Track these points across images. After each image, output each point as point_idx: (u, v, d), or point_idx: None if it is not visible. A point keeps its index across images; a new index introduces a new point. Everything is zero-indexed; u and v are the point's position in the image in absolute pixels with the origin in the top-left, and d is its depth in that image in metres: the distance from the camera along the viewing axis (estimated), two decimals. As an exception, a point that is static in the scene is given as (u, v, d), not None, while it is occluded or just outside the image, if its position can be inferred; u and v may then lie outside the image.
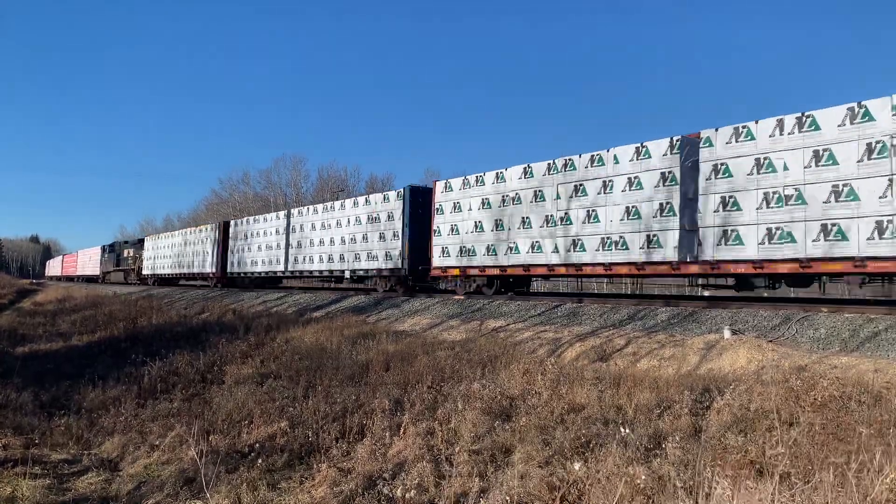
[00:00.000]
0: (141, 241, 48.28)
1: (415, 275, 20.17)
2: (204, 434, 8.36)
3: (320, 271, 24.74)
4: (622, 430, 6.27)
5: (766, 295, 15.25)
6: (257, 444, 7.90)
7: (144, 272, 44.20)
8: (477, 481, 6.05)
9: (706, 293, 17.86)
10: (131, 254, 49.14)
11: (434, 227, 18.96)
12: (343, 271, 23.16)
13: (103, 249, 59.16)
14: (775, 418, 5.87)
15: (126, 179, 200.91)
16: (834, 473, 4.71)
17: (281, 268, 27.65)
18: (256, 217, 30.63)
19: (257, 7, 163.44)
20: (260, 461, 7.32)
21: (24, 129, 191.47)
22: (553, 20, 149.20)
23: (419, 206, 20.19)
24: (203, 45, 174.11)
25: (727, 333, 9.84)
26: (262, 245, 29.14)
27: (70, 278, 75.27)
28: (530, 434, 6.69)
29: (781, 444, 5.31)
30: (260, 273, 29.43)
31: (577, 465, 5.82)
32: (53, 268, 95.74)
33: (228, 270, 32.10)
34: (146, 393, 11.40)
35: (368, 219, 22.10)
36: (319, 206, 25.78)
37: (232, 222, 33.13)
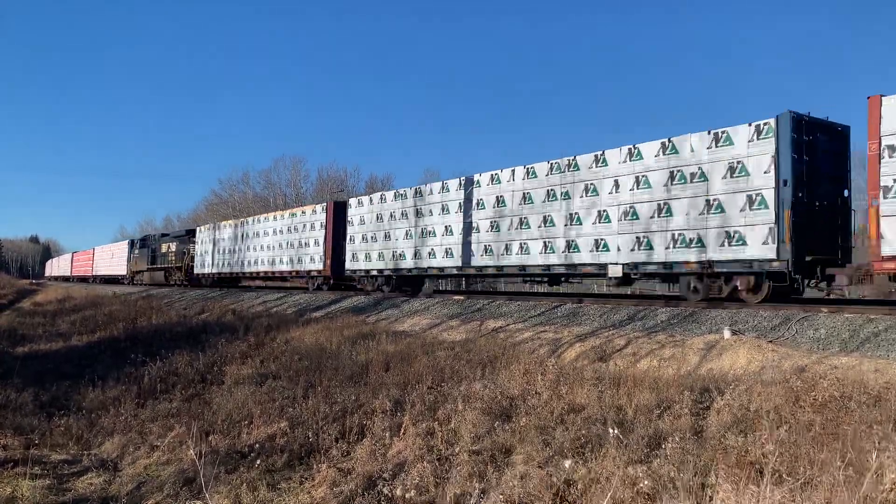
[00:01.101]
0: (189, 233, 39.23)
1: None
2: (204, 434, 8.36)
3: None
4: (611, 430, 6.26)
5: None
6: (257, 445, 7.90)
7: (197, 271, 35.68)
8: (477, 482, 6.05)
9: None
10: (173, 249, 39.89)
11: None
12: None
13: (132, 244, 50.24)
14: (775, 419, 5.87)
15: (126, 179, 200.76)
16: (834, 474, 4.71)
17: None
18: (383, 194, 22.88)
19: (257, 7, 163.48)
20: (260, 461, 7.32)
21: (24, 130, 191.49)
22: (553, 20, 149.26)
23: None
24: (203, 45, 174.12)
25: (727, 334, 9.84)
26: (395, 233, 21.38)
27: (83, 279, 66.88)
28: (530, 434, 6.69)
29: (781, 445, 5.31)
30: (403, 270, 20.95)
31: (576, 466, 5.82)
32: (61, 267, 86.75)
33: (347, 267, 23.35)
34: (146, 393, 11.40)
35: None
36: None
37: (353, 201, 24.02)
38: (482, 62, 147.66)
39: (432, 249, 19.42)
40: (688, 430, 6.24)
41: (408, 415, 7.94)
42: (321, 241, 24.86)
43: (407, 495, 6.10)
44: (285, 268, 27.35)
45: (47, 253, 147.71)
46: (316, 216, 25.53)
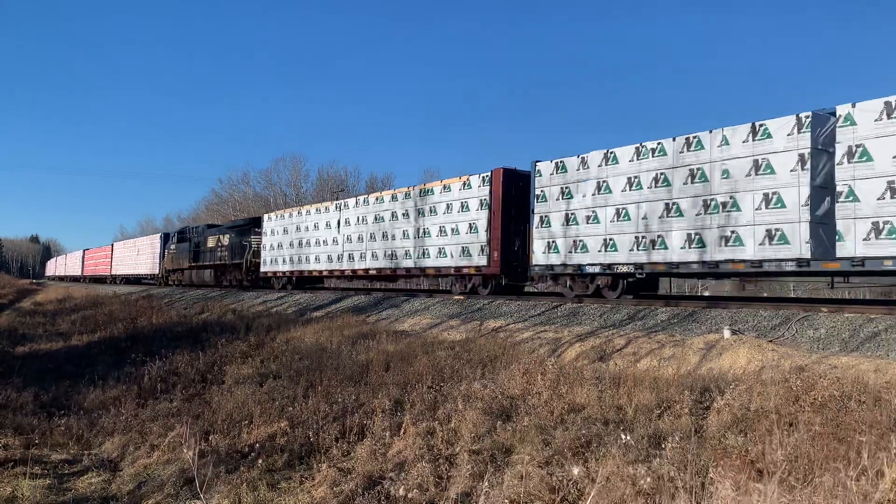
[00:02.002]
0: (253, 222, 31.29)
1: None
2: (204, 434, 8.36)
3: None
4: (623, 435, 6.27)
5: (765, 295, 15.32)
6: (257, 444, 7.90)
7: (266, 269, 28.36)
8: (477, 481, 6.05)
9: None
10: (225, 242, 32.16)
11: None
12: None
13: (166, 238, 42.78)
14: (775, 418, 5.87)
15: (126, 179, 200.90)
16: (833, 474, 4.71)
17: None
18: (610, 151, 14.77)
19: (257, 8, 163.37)
20: (260, 461, 7.32)
21: (23, 130, 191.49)
22: (553, 20, 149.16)
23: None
24: (203, 46, 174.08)
25: (727, 333, 9.84)
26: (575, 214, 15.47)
27: (98, 279, 60.27)
28: (530, 434, 6.69)
29: (781, 445, 5.32)
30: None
31: (576, 466, 5.82)
32: (68, 266, 79.22)
33: (539, 261, 15.96)
34: (146, 393, 11.40)
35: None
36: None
37: (545, 166, 15.93)
38: (482, 62, 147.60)
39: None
40: (688, 430, 6.24)
41: (408, 414, 7.94)
42: (481, 225, 17.58)
43: (407, 495, 6.10)
44: (413, 263, 20.14)
45: (47, 253, 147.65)
46: (470, 192, 18.12)
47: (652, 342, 10.24)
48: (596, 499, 5.31)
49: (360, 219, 22.60)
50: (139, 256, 48.44)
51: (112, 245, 59.59)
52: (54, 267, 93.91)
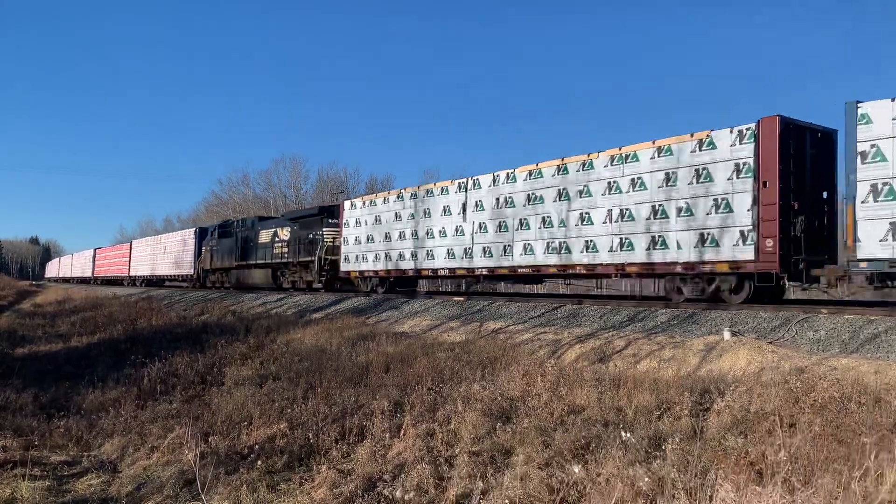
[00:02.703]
0: (325, 212, 25.13)
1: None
2: (203, 436, 8.35)
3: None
4: (623, 433, 6.26)
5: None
6: (257, 446, 7.89)
7: (349, 267, 22.75)
8: (477, 483, 6.04)
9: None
10: (285, 236, 26.73)
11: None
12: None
13: (202, 233, 36.74)
14: (775, 420, 5.86)
15: (126, 180, 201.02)
16: (834, 476, 4.71)
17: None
18: None
19: (256, 8, 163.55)
20: (259, 463, 7.31)
21: (23, 130, 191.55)
22: (553, 19, 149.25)
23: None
24: (203, 46, 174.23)
25: (727, 335, 9.84)
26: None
27: (112, 281, 54.25)
28: (530, 436, 6.69)
29: (781, 447, 5.31)
30: None
31: (576, 467, 5.81)
32: (77, 266, 72.47)
33: (864, 254, 10.40)
34: (146, 394, 11.39)
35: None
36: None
37: (872, 108, 10.34)
38: (481, 62, 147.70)
39: None
40: (688, 432, 6.24)
41: (408, 416, 7.93)
42: (739, 202, 11.97)
43: (407, 497, 6.09)
44: (669, 256, 13.01)
45: (47, 254, 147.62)
46: (713, 153, 12.38)
47: (652, 344, 10.23)
48: (596, 500, 5.30)
49: (505, 200, 16.75)
50: (167, 255, 41.79)
51: (130, 243, 53.10)
52: (57, 268, 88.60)
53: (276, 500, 6.64)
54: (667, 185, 12.98)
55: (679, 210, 12.83)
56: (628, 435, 6.18)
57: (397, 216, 20.71)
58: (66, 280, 75.85)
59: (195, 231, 38.12)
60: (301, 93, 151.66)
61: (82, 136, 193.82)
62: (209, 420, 9.20)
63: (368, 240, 22.07)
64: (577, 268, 14.91)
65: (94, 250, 64.29)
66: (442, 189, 18.96)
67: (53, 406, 11.35)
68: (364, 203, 22.70)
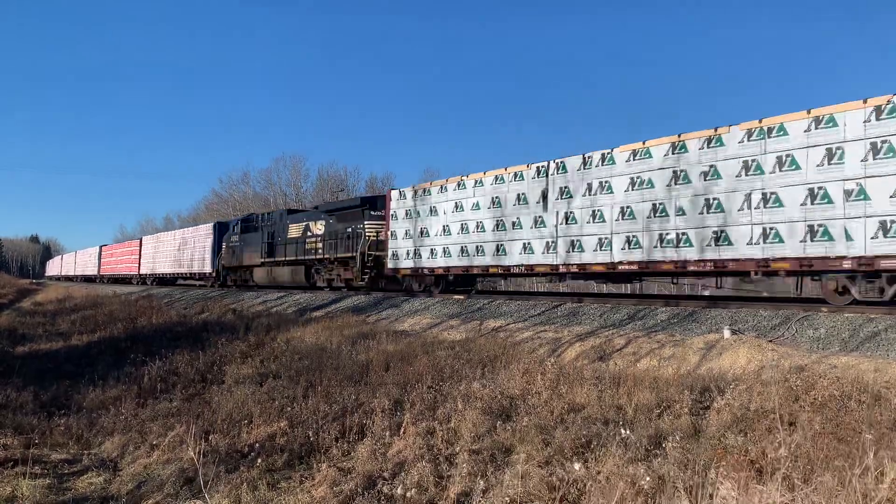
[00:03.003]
0: (366, 203, 22.68)
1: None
2: (204, 434, 8.36)
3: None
4: (623, 430, 6.27)
5: (765, 295, 15.34)
6: (257, 444, 7.90)
7: (399, 264, 20.00)
8: (477, 481, 6.05)
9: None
10: (318, 230, 24.31)
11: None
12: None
13: (222, 228, 33.83)
14: (775, 418, 5.87)
15: (125, 179, 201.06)
16: (834, 474, 4.71)
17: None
18: None
19: (256, 7, 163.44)
20: (260, 461, 7.32)
21: (23, 130, 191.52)
22: (553, 18, 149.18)
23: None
24: (203, 45, 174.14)
25: (727, 333, 9.84)
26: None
27: (120, 280, 51.77)
28: (530, 434, 6.69)
29: (781, 445, 5.31)
30: None
31: (576, 465, 5.82)
32: (80, 264, 69.64)
33: None
34: (146, 392, 11.40)
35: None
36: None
37: None
38: (482, 62, 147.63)
39: None
40: (688, 430, 6.24)
41: (408, 414, 7.94)
42: None
43: (407, 495, 6.10)
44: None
45: (47, 253, 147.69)
46: None
47: (652, 342, 10.24)
48: (596, 498, 5.30)
49: (600, 186, 14.20)
50: (182, 252, 38.56)
51: (140, 239, 49.45)
52: (59, 266, 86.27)
53: (276, 499, 6.64)
54: (828, 164, 10.53)
55: (848, 194, 10.24)
56: (628, 433, 6.18)
57: (458, 206, 17.90)
58: (68, 279, 73.95)
59: (214, 226, 34.76)
60: (301, 92, 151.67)
61: (82, 135, 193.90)
62: (209, 418, 9.21)
63: (422, 234, 19.10)
64: (706, 264, 12.18)
65: (100, 247, 61.71)
66: (515, 175, 16.27)
67: (54, 404, 11.37)
68: (417, 193, 19.55)
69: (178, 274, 39.89)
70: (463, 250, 17.63)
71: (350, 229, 22.54)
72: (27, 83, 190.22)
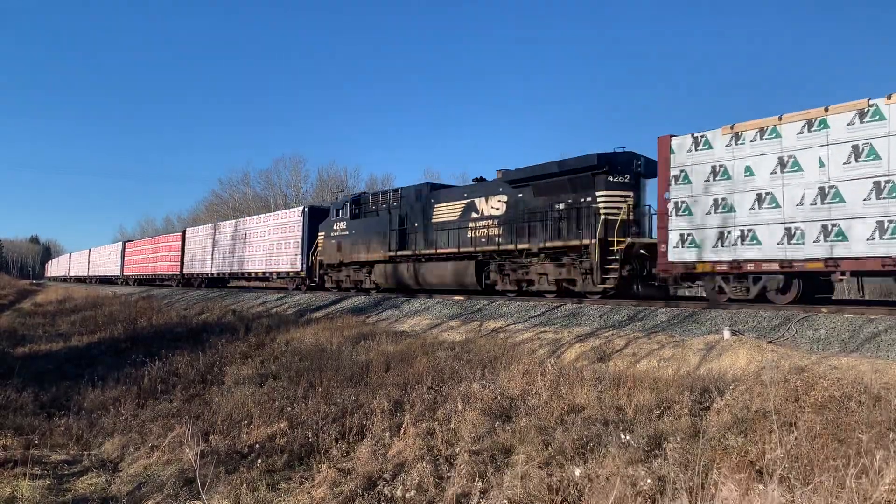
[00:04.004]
0: (607, 163, 14.87)
1: None
2: (204, 435, 8.36)
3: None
4: (623, 435, 6.27)
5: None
6: (257, 445, 7.90)
7: (703, 255, 12.33)
8: (477, 482, 6.05)
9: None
10: (497, 209, 17.63)
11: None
12: None
13: (318, 214, 26.13)
14: (775, 419, 5.87)
15: (125, 179, 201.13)
16: (833, 475, 4.71)
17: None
18: None
19: (256, 7, 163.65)
20: (260, 461, 7.32)
21: (23, 130, 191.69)
22: (553, 17, 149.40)
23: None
24: (202, 45, 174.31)
25: (727, 334, 9.84)
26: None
27: (153, 280, 44.79)
28: (530, 435, 6.70)
29: (781, 446, 5.32)
30: None
31: (576, 466, 5.82)
32: (96, 264, 61.11)
33: None
34: (146, 393, 11.40)
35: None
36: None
37: None
38: (481, 62, 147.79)
39: None
40: (688, 431, 6.24)
41: (408, 415, 7.94)
42: None
43: (407, 495, 6.10)
44: None
45: (47, 253, 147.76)
46: None
47: (652, 343, 10.24)
48: (596, 499, 5.30)
49: None
50: (251, 245, 30.37)
51: (184, 232, 40.46)
52: (67, 265, 78.53)
53: (276, 499, 6.64)
54: None
55: None
56: (628, 436, 6.18)
57: (820, 161, 10.89)
58: (80, 280, 66.91)
59: (304, 211, 26.76)
60: (302, 92, 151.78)
61: (82, 135, 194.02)
62: (209, 419, 9.21)
63: (758, 202, 11.66)
64: None
65: (123, 243, 53.83)
66: None
67: (54, 405, 11.37)
68: (737, 136, 12.10)
69: (248, 272, 31.14)
70: (825, 230, 10.74)
71: (564, 205, 15.67)
72: (27, 83, 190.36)
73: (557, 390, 7.96)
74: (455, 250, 18.44)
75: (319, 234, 25.03)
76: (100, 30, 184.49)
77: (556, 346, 10.99)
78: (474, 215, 18.30)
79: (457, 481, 6.17)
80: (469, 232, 18.29)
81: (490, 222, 17.76)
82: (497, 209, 17.64)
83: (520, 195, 16.99)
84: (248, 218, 33.96)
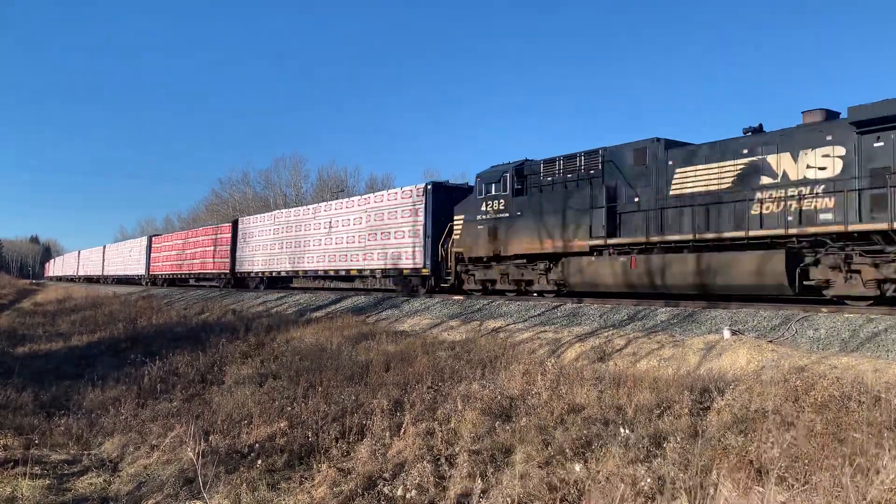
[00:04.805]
0: None
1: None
2: (204, 434, 8.36)
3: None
4: (623, 430, 6.27)
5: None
6: (257, 445, 7.91)
7: None
8: (477, 481, 6.05)
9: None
10: (833, 166, 11.04)
11: None
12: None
13: (440, 194, 19.88)
14: (775, 419, 5.87)
15: (125, 179, 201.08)
16: (833, 475, 4.71)
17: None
18: None
19: (256, 7, 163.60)
20: (260, 461, 7.32)
21: (24, 129, 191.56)
22: (552, 17, 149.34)
23: None
24: (203, 45, 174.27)
25: (727, 334, 9.84)
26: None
27: (178, 281, 40.40)
28: (530, 434, 6.70)
29: (781, 445, 5.32)
30: None
31: (576, 466, 5.82)
32: (113, 262, 54.64)
33: None
34: (146, 393, 11.40)
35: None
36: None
37: None
38: (481, 62, 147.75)
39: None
40: (688, 430, 6.24)
41: (408, 415, 7.94)
42: None
43: (407, 495, 6.10)
44: None
45: (47, 253, 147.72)
46: None
47: (652, 342, 10.24)
48: (596, 499, 5.31)
49: None
50: (333, 237, 24.27)
51: (235, 221, 33.77)
52: (74, 265, 72.72)
53: (276, 499, 6.65)
54: None
55: None
56: (628, 434, 6.19)
57: None
58: (89, 280, 61.04)
59: (427, 188, 19.99)
60: (302, 92, 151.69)
61: (82, 135, 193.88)
62: (209, 419, 9.22)
63: None
64: None
65: (150, 237, 47.01)
66: None
67: (54, 405, 11.38)
68: None
69: (334, 270, 24.47)
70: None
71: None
72: (27, 83, 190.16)
73: (557, 390, 7.96)
74: (739, 234, 12.17)
75: (456, 217, 18.55)
76: (100, 30, 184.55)
77: (556, 345, 10.99)
78: (766, 181, 12.20)
79: (457, 481, 6.17)
80: (755, 207, 12.19)
81: (805, 190, 11.68)
82: (823, 168, 11.47)
83: (877, 144, 10.95)
84: (329, 203, 26.70)
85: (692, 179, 13.37)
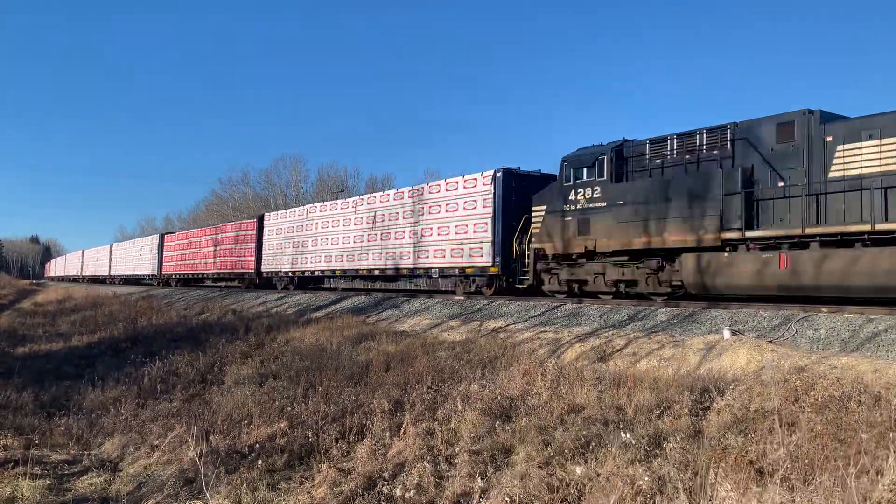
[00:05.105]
0: None
1: None
2: (204, 434, 8.37)
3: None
4: (623, 434, 6.27)
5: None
6: (257, 445, 7.91)
7: None
8: (477, 481, 6.05)
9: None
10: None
11: None
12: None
13: (511, 181, 17.46)
14: (775, 419, 5.87)
15: (125, 180, 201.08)
16: (833, 475, 4.72)
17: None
18: None
19: (255, 8, 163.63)
20: (260, 461, 7.32)
21: (24, 129, 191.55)
22: (551, 17, 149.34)
23: None
24: (203, 45, 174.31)
25: (727, 334, 9.85)
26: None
27: (193, 281, 38.15)
28: (530, 434, 6.70)
29: (781, 446, 5.32)
30: None
31: (576, 466, 5.83)
32: (121, 262, 52.18)
33: None
34: (146, 393, 11.41)
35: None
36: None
37: None
38: (481, 62, 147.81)
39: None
40: (688, 431, 6.25)
41: (408, 415, 7.95)
42: None
43: (407, 495, 6.10)
44: None
45: (47, 253, 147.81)
46: None
47: (652, 342, 10.24)
48: (596, 499, 5.31)
49: None
50: (374, 234, 22.07)
51: (261, 217, 30.92)
52: (78, 264, 70.44)
53: (276, 499, 6.65)
54: None
55: None
56: (628, 435, 6.19)
57: None
58: (95, 280, 58.94)
59: (496, 176, 17.63)
60: (302, 92, 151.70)
61: (82, 135, 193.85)
62: (210, 419, 9.22)
63: None
64: None
65: (162, 235, 44.56)
66: None
67: (54, 405, 11.38)
68: None
69: (377, 268, 22.04)
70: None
71: None
72: (26, 83, 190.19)
73: (557, 390, 7.96)
74: None
75: (535, 209, 16.23)
76: (99, 30, 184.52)
77: (556, 345, 10.99)
78: None
79: (457, 481, 6.17)
80: None
81: None
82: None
83: None
84: (373, 195, 23.96)
85: (862, 158, 10.89)
